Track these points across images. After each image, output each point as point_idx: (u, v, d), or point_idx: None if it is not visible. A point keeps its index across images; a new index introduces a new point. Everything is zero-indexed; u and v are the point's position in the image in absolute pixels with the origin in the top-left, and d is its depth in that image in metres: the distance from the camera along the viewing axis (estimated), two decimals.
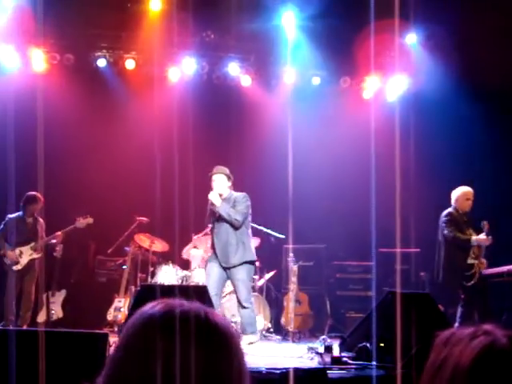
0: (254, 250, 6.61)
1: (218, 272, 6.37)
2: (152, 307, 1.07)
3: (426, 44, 9.12)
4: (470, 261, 6.61)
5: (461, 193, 6.94)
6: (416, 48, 9.23)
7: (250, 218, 6.66)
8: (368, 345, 4.83)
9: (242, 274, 6.34)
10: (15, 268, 7.29)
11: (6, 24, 8.25)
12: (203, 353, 1.00)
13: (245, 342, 6.14)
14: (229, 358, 1.03)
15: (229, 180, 6.57)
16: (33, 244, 7.40)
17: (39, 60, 8.75)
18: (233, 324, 6.95)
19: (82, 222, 7.55)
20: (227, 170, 6.60)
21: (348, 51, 9.10)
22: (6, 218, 7.43)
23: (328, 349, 5.25)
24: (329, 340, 5.56)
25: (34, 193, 7.34)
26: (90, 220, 7.60)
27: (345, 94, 9.65)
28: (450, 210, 6.94)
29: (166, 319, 1.03)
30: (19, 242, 7.32)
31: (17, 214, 7.43)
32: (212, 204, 6.43)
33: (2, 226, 7.44)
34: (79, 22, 8.61)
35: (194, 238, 7.96)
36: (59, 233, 7.52)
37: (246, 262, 6.38)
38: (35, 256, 7.39)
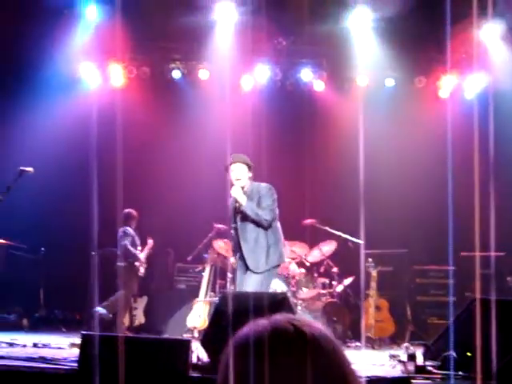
0: (282, 250, 5.73)
1: (241, 284, 5.56)
2: (246, 330, 1.07)
3: (506, 38, 8.76)
4: None
5: None
6: (495, 43, 8.87)
7: (277, 211, 5.69)
8: (454, 353, 4.66)
9: (267, 278, 5.55)
10: (140, 273, 8.12)
11: (87, 42, 8.62)
12: (302, 366, 0.99)
13: None
14: (331, 365, 1.02)
15: (250, 170, 5.63)
16: (143, 255, 8.19)
17: (117, 75, 9.08)
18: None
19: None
20: (247, 158, 5.66)
21: (422, 50, 8.90)
22: (127, 231, 8.10)
23: (411, 357, 5.10)
24: (411, 348, 5.40)
25: (130, 210, 8.11)
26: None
27: (420, 93, 9.43)
28: None
29: (258, 341, 1.02)
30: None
31: (129, 228, 8.15)
32: (236, 201, 5.54)
33: (129, 238, 8.08)
34: (153, 35, 8.87)
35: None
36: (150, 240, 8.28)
37: (274, 266, 5.58)
38: (144, 266, 8.22)
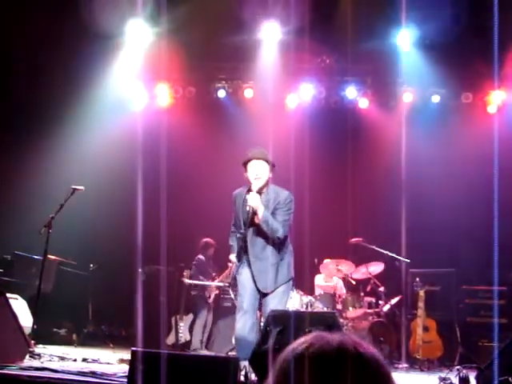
0: (292, 262, 5.06)
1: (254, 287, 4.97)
2: (301, 344, 1.07)
3: None
4: None
5: None
6: None
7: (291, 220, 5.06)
8: (510, 379, 4.51)
9: (282, 294, 4.96)
10: (209, 301, 8.43)
11: (136, 63, 8.85)
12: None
13: None
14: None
15: (272, 169, 4.90)
16: (218, 280, 8.39)
17: (164, 95, 9.26)
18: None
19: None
20: (269, 155, 4.92)
21: (469, 66, 8.79)
22: (197, 261, 8.46)
23: (464, 381, 4.98)
24: (464, 371, 5.26)
25: (207, 239, 8.52)
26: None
27: (467, 110, 9.30)
28: None
29: (319, 357, 1.03)
30: (208, 280, 8.43)
31: (201, 256, 8.52)
32: (252, 209, 4.83)
33: (198, 267, 8.42)
34: (199, 55, 9.03)
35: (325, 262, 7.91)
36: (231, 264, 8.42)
37: (286, 282, 4.96)
38: (216, 292, 8.49)
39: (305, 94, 9.18)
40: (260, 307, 5.11)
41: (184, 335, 8.38)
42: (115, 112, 9.05)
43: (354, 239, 7.78)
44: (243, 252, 4.96)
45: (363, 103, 9.28)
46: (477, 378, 5.29)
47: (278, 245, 4.88)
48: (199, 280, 8.31)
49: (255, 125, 9.32)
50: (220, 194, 9.20)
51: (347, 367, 1.01)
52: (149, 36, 8.80)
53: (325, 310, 7.35)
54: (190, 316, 8.50)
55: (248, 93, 9.26)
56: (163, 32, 8.38)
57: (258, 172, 4.82)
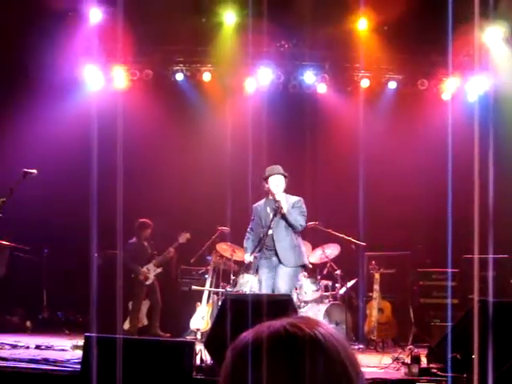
0: (305, 252, 6.64)
1: (271, 276, 6.34)
2: (244, 335, 1.07)
3: (508, 41, 8.76)
4: None
5: None
6: (497, 46, 8.88)
7: None
8: (458, 356, 4.65)
9: (294, 273, 6.36)
10: (147, 283, 8.34)
11: (90, 45, 8.64)
12: (297, 370, 0.98)
13: None
14: (332, 367, 1.00)
15: (285, 181, 6.37)
16: (154, 261, 8.42)
17: (120, 77, 9.09)
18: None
19: (183, 237, 8.29)
20: (282, 169, 6.41)
21: (424, 53, 8.91)
22: (128, 246, 8.33)
23: (415, 359, 5.10)
24: (415, 350, 5.39)
25: (144, 220, 8.37)
26: (188, 235, 8.29)
27: (422, 96, 9.44)
28: None
29: (255, 348, 1.02)
30: (143, 261, 8.40)
31: (133, 239, 8.43)
32: (278, 206, 6.21)
33: (128, 253, 8.26)
34: (156, 38, 8.88)
35: None
36: (171, 249, 8.40)
37: (300, 266, 6.44)
38: (158, 270, 8.43)
39: (263, 78, 9.16)
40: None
41: (141, 320, 8.35)
42: (70, 94, 8.85)
43: (310, 223, 7.83)
44: (265, 242, 6.26)
45: (321, 88, 9.31)
46: (427, 356, 5.45)
47: (295, 233, 6.32)
48: (129, 265, 8.24)
49: (213, 108, 9.28)
50: (177, 178, 9.15)
51: (293, 351, 1.00)
52: (104, 17, 8.60)
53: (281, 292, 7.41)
54: (148, 300, 8.46)
55: (206, 76, 9.19)
56: (118, 12, 8.20)
57: (278, 183, 6.28)
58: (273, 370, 0.98)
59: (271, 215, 6.24)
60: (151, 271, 8.40)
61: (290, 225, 6.26)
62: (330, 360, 1.00)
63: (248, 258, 6.47)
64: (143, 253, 8.45)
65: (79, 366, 4.23)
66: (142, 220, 8.39)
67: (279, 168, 6.37)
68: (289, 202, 6.29)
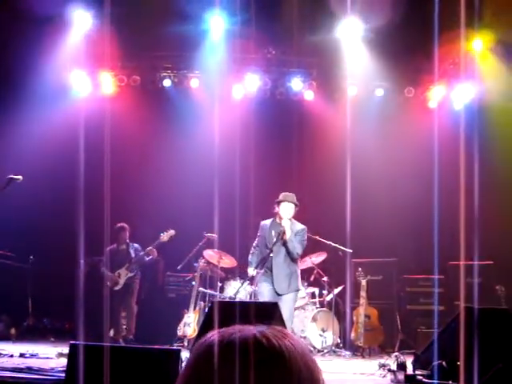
0: (300, 278, 6.90)
1: (271, 293, 6.57)
2: (209, 337, 1.07)
3: (494, 50, 8.86)
4: None
5: None
6: (483, 54, 8.97)
7: None
8: (444, 363, 4.67)
9: (291, 300, 6.61)
10: (116, 288, 8.11)
11: (78, 50, 8.61)
12: (258, 377, 0.99)
13: None
14: (288, 378, 1.01)
15: (295, 209, 6.63)
16: (127, 265, 8.18)
17: (108, 83, 9.07)
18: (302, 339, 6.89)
19: (166, 235, 8.04)
20: (295, 198, 6.68)
21: (411, 61, 8.97)
22: (106, 251, 8.12)
23: (401, 366, 5.12)
24: (401, 357, 5.41)
25: (120, 224, 8.18)
26: (172, 232, 8.07)
27: (409, 104, 9.51)
28: None
29: (222, 348, 1.02)
30: (117, 266, 8.19)
31: (109, 248, 8.18)
32: (283, 232, 6.50)
33: (104, 259, 8.15)
34: (144, 44, 8.87)
35: None
36: (150, 248, 8.15)
37: (295, 291, 6.68)
38: (130, 275, 8.18)
39: (251, 84, 9.18)
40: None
41: (128, 327, 8.30)
42: (56, 100, 8.80)
43: None
44: (266, 263, 6.57)
45: (308, 95, 9.35)
46: (413, 362, 5.46)
47: (293, 260, 6.61)
48: (103, 273, 8.16)
49: (201, 115, 9.27)
50: (164, 185, 9.13)
51: (248, 356, 1.00)
52: (91, 22, 8.58)
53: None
54: (135, 308, 8.41)
55: (194, 82, 9.20)
56: (106, 19, 8.18)
57: (288, 211, 6.56)
58: (234, 375, 0.98)
59: (274, 239, 6.54)
60: (122, 276, 8.20)
61: (288, 252, 6.55)
62: (289, 374, 1.01)
63: (251, 271, 6.76)
64: (119, 257, 8.27)
65: (63, 375, 4.19)
66: (118, 224, 8.23)
67: (293, 196, 6.66)
68: (293, 229, 6.54)
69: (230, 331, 1.05)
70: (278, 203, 6.63)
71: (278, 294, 6.54)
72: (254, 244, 6.96)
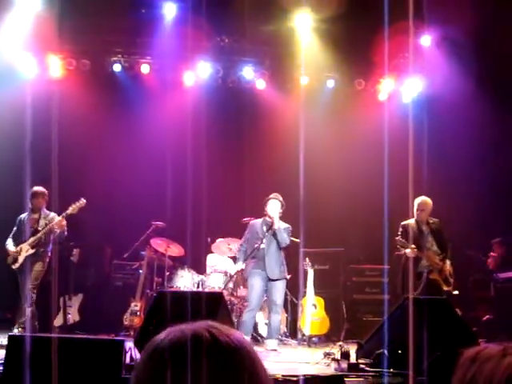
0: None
1: (262, 285, 7.07)
2: (159, 339, 1.06)
3: (441, 45, 9.05)
4: None
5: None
6: (431, 49, 9.15)
7: None
8: (386, 351, 4.78)
9: (282, 286, 7.17)
10: (14, 266, 6.86)
11: (24, 32, 8.33)
12: (211, 374, 0.99)
13: (270, 347, 6.85)
14: (240, 373, 1.01)
15: (281, 207, 7.20)
16: (31, 239, 6.85)
17: (56, 66, 8.82)
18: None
19: (75, 207, 6.95)
20: (281, 198, 7.25)
21: (362, 53, 9.07)
22: (17, 219, 7.14)
23: (345, 355, 5.21)
24: (345, 346, 5.50)
25: (36, 187, 6.93)
26: (83, 202, 6.98)
27: (359, 96, 9.62)
28: None
29: (173, 349, 1.01)
30: (23, 239, 6.91)
31: (26, 213, 7.07)
32: (273, 224, 7.09)
33: (14, 228, 7.11)
34: (95, 28, 8.67)
35: (218, 242, 8.00)
36: (58, 217, 6.96)
37: (284, 278, 7.24)
38: (31, 252, 6.81)
39: (202, 72, 9.10)
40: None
41: (73, 316, 8.15)
42: (1, 82, 8.50)
43: (246, 219, 7.87)
44: (258, 254, 7.13)
45: (260, 84, 9.34)
46: (357, 351, 5.57)
47: (282, 249, 7.24)
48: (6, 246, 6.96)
49: (152, 101, 9.14)
50: (113, 171, 8.97)
51: (202, 354, 1.00)
52: (40, 3, 8.30)
53: (215, 289, 7.41)
54: (80, 296, 8.27)
55: (144, 68, 9.05)
56: (56, 0, 7.94)
57: (274, 207, 7.18)
58: (192, 373, 0.98)
59: (265, 229, 7.14)
60: (22, 252, 6.83)
61: (277, 241, 7.12)
62: (242, 371, 1.02)
63: (240, 266, 7.25)
64: (28, 228, 6.89)
65: (1, 368, 4.08)
66: (34, 188, 6.93)
67: (278, 195, 7.28)
68: (280, 225, 7.16)
69: (180, 331, 1.03)
70: (266, 203, 7.21)
71: (271, 280, 7.06)
72: (240, 242, 7.41)
